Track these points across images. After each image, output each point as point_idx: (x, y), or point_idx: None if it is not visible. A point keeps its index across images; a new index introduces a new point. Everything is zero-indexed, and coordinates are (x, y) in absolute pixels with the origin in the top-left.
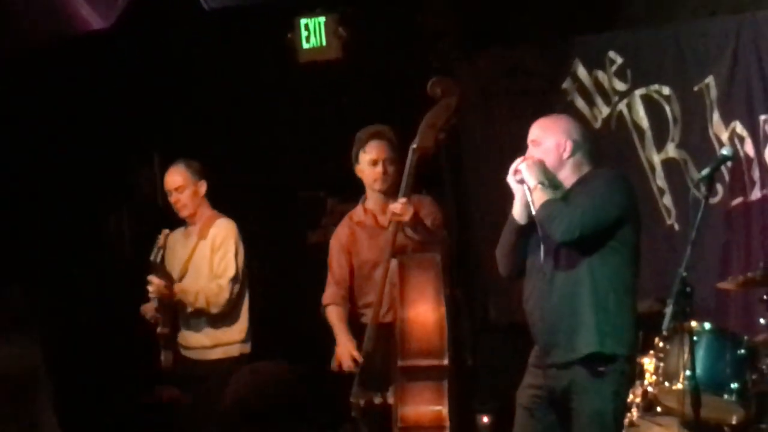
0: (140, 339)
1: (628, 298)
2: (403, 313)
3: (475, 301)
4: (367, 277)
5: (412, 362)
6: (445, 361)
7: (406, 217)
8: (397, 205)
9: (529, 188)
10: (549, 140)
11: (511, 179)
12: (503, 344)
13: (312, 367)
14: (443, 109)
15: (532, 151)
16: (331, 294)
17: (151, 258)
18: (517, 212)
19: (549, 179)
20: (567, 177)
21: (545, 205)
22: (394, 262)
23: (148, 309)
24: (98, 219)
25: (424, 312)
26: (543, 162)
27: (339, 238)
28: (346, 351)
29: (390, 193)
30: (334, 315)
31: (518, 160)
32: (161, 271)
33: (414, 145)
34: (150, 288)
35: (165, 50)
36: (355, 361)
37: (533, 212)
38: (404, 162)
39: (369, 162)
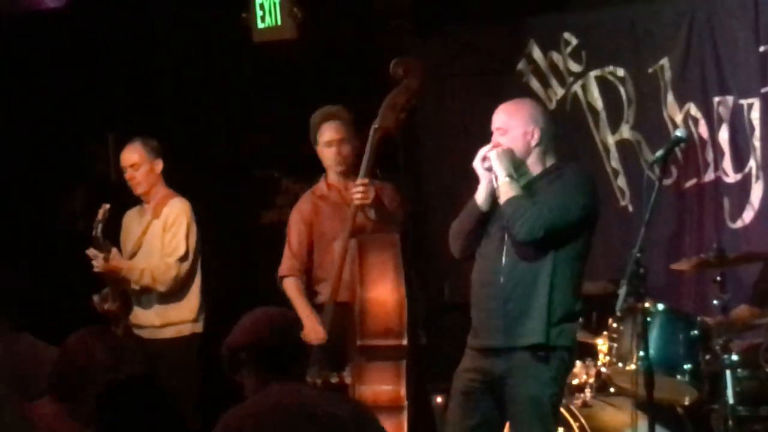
0: (92, 316)
1: (577, 291)
2: (363, 293)
3: (429, 282)
4: (325, 251)
5: (371, 342)
6: (405, 341)
7: (368, 200)
8: (360, 187)
9: (496, 178)
10: (516, 128)
11: (478, 165)
12: (457, 324)
13: None
14: (405, 89)
15: (499, 139)
16: (288, 266)
17: (93, 233)
18: (482, 199)
19: (517, 169)
20: (532, 165)
21: (512, 202)
22: (353, 242)
23: (97, 302)
24: (52, 197)
25: (384, 292)
26: (512, 151)
27: (300, 211)
28: (311, 325)
29: (349, 172)
30: (293, 288)
31: (487, 147)
32: (101, 245)
33: (375, 125)
34: (94, 263)
35: (121, 29)
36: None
37: (500, 203)
38: (364, 141)
39: (325, 144)
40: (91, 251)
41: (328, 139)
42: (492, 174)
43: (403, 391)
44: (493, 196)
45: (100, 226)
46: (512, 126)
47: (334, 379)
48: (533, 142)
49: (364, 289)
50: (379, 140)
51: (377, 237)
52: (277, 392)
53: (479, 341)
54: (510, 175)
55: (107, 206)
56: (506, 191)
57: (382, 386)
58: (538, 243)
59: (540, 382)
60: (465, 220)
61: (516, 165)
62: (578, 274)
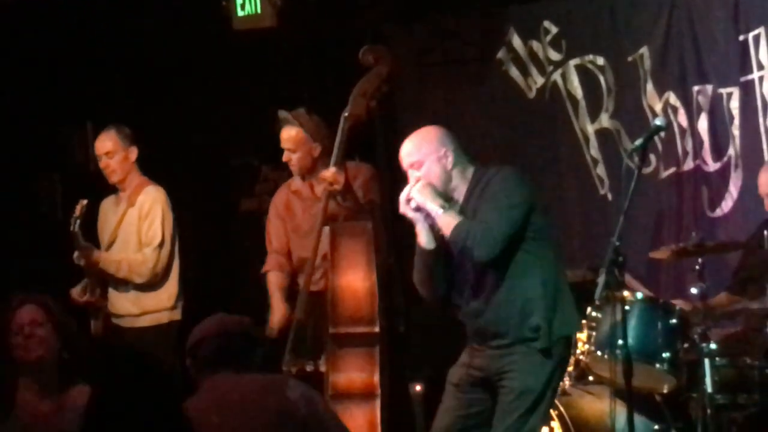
0: (71, 306)
1: (561, 278)
2: (334, 281)
3: (408, 269)
4: (300, 245)
5: (343, 329)
6: (376, 329)
7: (338, 186)
8: (328, 174)
9: (430, 214)
10: (428, 157)
11: (405, 209)
12: (435, 313)
13: None
14: (375, 77)
15: (415, 174)
16: (270, 261)
17: (71, 229)
18: (424, 240)
19: (445, 198)
20: (457, 186)
21: (458, 228)
22: (326, 230)
23: (76, 294)
24: (30, 186)
25: (355, 279)
26: (431, 184)
27: (276, 206)
28: (275, 316)
29: (312, 172)
30: (272, 282)
31: (406, 189)
32: (80, 241)
33: (345, 113)
34: (78, 263)
35: (99, 17)
36: (286, 326)
37: (445, 235)
38: (334, 132)
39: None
40: (76, 256)
41: (283, 146)
42: (423, 213)
43: (376, 379)
44: (434, 233)
45: (77, 222)
46: (424, 156)
47: (309, 368)
48: (449, 165)
49: (335, 277)
50: (350, 128)
51: (349, 225)
52: (205, 392)
53: (475, 343)
54: (442, 206)
55: (85, 202)
56: (447, 222)
57: (354, 374)
58: (499, 255)
59: (536, 377)
60: (419, 268)
61: (444, 196)
62: (553, 260)
